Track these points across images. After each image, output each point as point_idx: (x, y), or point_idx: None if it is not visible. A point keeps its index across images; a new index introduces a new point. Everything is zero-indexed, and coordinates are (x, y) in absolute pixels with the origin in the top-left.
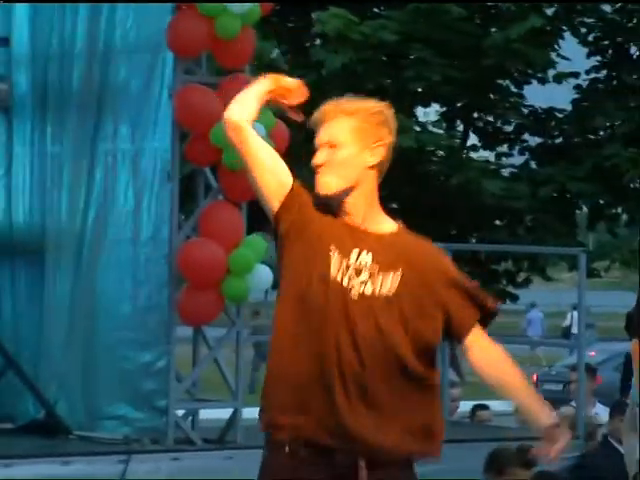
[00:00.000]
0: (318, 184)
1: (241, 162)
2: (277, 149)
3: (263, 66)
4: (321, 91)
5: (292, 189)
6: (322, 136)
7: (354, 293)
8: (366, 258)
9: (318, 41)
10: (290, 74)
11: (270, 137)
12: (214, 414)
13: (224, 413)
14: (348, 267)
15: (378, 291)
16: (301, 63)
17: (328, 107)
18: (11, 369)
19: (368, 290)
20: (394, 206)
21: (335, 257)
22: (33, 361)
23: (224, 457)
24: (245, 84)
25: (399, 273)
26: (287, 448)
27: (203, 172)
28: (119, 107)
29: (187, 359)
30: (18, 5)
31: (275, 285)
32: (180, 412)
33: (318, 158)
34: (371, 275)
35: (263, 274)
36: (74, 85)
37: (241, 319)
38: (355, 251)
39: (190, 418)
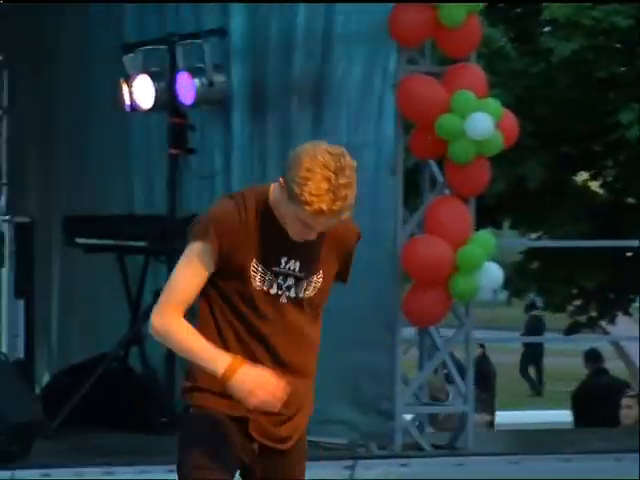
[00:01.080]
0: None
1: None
2: (506, 139)
3: (491, 53)
4: (550, 80)
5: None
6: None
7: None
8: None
9: (547, 28)
10: (518, 62)
11: (498, 128)
12: None
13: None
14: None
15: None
16: (529, 50)
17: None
18: None
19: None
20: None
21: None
22: None
23: (454, 464)
24: (472, 73)
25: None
26: None
27: (428, 165)
28: (339, 99)
29: (413, 361)
30: None
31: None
32: (408, 416)
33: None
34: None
35: (493, 272)
36: (293, 77)
37: (470, 319)
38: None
39: (417, 423)
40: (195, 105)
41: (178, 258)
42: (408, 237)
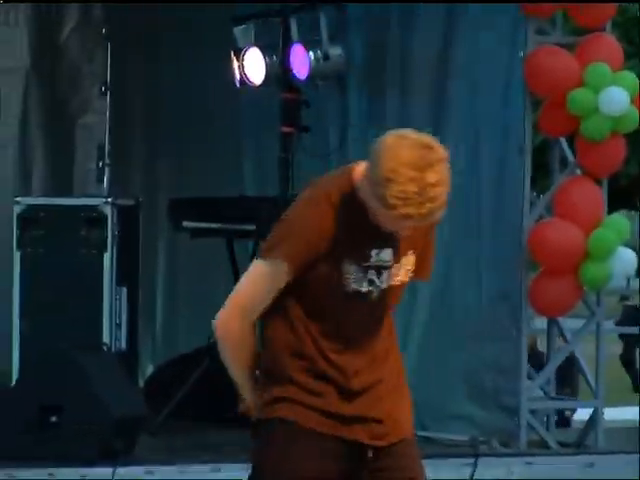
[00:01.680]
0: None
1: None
2: None
3: (626, 21)
4: None
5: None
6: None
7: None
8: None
9: None
10: None
11: (634, 103)
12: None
13: (583, 414)
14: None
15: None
16: None
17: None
18: None
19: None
20: None
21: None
22: None
23: (583, 463)
24: (606, 44)
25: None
26: None
27: (558, 143)
28: (463, 72)
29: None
30: None
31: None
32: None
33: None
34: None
35: (626, 258)
36: (414, 49)
37: (602, 309)
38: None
39: (545, 419)
40: (309, 80)
41: None
42: (536, 221)
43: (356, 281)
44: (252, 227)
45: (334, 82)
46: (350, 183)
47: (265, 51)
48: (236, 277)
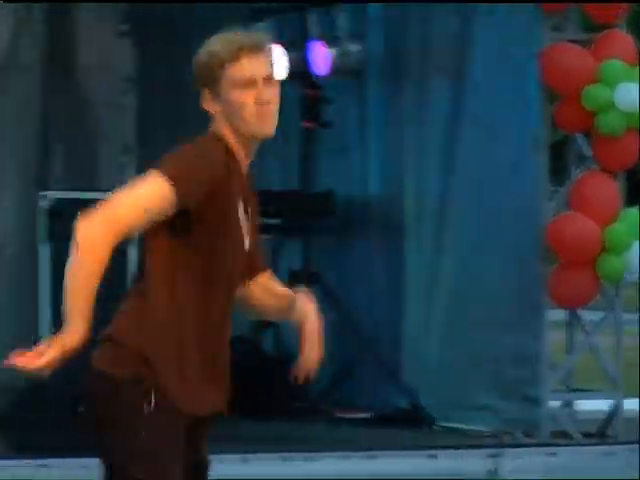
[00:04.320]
0: (268, 123)
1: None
2: None
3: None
4: None
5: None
6: (256, 69)
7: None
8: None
9: None
10: None
11: None
12: (594, 405)
13: (604, 405)
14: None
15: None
16: None
17: (247, 38)
18: (369, 354)
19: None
20: None
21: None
22: (392, 345)
23: (604, 453)
24: (621, 40)
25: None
26: None
27: (575, 139)
28: (479, 68)
29: (561, 345)
30: None
31: None
32: (556, 403)
33: (269, 93)
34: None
35: None
36: (431, 45)
37: (620, 300)
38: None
39: (567, 410)
40: (329, 76)
41: (313, 235)
42: (554, 215)
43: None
44: (275, 221)
45: (354, 78)
46: (210, 135)
47: (286, 47)
48: None
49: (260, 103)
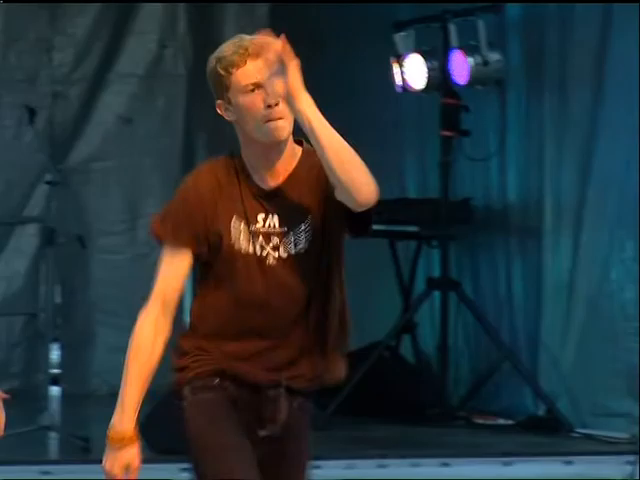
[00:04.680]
0: (277, 128)
1: None
2: None
3: None
4: None
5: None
6: (261, 73)
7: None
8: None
9: None
10: None
11: None
12: None
13: None
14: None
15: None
16: None
17: (250, 42)
18: (508, 360)
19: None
20: None
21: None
22: (531, 351)
23: None
24: None
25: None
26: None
27: None
28: (622, 76)
29: None
30: None
31: None
32: None
33: (276, 97)
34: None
35: None
36: (571, 53)
37: None
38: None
39: None
40: (469, 85)
41: (451, 243)
42: None
43: (248, 243)
44: (414, 229)
45: (493, 86)
46: (219, 159)
47: (426, 57)
48: (399, 277)
49: (269, 106)
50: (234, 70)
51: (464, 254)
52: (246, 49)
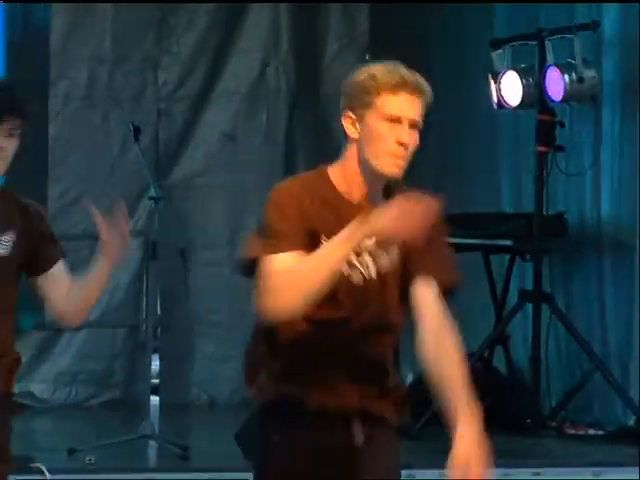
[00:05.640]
0: (398, 165)
1: None
2: None
3: None
4: None
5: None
6: (409, 110)
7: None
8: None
9: None
10: None
11: None
12: None
13: None
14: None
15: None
16: None
17: (411, 76)
18: (599, 372)
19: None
20: None
21: None
22: (622, 362)
23: None
24: None
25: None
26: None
27: None
28: None
29: None
30: None
31: None
32: None
33: (411, 137)
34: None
35: None
36: None
37: None
38: None
39: None
40: (564, 101)
41: (544, 257)
42: None
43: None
44: (508, 242)
45: (588, 103)
46: (319, 172)
47: (521, 74)
48: (492, 290)
49: (399, 143)
50: (385, 94)
51: (557, 268)
52: (405, 81)
